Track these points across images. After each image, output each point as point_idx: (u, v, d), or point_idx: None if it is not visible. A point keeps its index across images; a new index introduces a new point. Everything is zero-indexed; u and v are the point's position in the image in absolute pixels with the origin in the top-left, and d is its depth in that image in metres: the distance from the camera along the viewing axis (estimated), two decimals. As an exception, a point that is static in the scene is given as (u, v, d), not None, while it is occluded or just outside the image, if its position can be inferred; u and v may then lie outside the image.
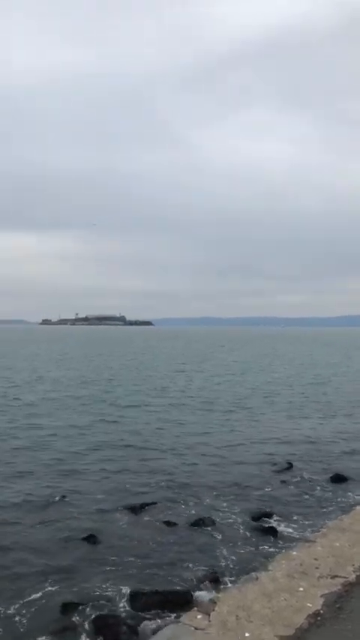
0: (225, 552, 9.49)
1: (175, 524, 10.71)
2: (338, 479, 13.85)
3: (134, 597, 7.58)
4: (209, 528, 10.54)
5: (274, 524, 10.79)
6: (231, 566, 8.94)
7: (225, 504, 11.93)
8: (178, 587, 8.04)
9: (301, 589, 4.94)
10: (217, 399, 28.99)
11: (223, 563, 9.03)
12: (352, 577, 5.21)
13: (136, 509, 11.41)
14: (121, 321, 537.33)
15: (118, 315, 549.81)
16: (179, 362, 58.31)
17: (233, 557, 9.27)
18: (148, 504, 11.69)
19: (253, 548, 9.65)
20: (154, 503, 11.83)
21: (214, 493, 12.66)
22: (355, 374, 45.71)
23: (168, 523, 10.73)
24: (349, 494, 12.61)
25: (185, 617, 4.52)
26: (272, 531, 10.41)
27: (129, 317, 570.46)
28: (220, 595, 4.86)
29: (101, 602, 7.46)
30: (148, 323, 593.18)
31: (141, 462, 15.26)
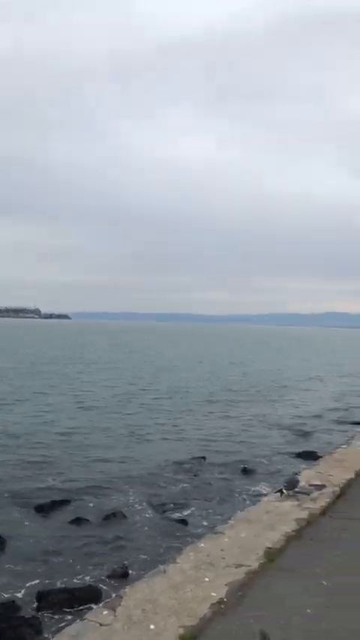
0: (136, 546, 9.52)
1: (86, 520, 10.58)
2: (248, 471, 14.31)
3: (41, 596, 7.41)
4: (121, 523, 10.53)
5: (185, 516, 10.95)
6: (141, 559, 8.98)
7: (137, 498, 11.95)
8: (86, 584, 7.97)
9: (207, 579, 5.04)
10: (132, 396, 29.00)
11: (134, 557, 9.05)
12: (255, 566, 5.39)
13: (44, 508, 11.09)
14: (36, 313, 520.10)
15: (32, 308, 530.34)
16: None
17: (144, 551, 9.32)
18: (57, 502, 11.42)
19: (163, 541, 9.74)
20: (64, 500, 11.59)
21: (126, 488, 12.65)
22: (259, 371, 47.48)
23: (78, 520, 10.57)
24: (258, 485, 13.04)
25: (91, 614, 4.47)
26: (183, 524, 10.58)
27: (44, 310, 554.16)
28: (127, 589, 4.84)
29: (6, 604, 7.21)
30: (64, 316, 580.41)
31: (47, 461, 14.81)
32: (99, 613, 4.43)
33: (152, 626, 4.18)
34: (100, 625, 4.20)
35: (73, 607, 7.16)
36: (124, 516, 10.78)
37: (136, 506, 11.48)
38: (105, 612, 4.42)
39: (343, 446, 11.30)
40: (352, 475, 8.82)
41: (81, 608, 7.09)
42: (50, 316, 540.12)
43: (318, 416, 24.09)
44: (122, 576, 8.29)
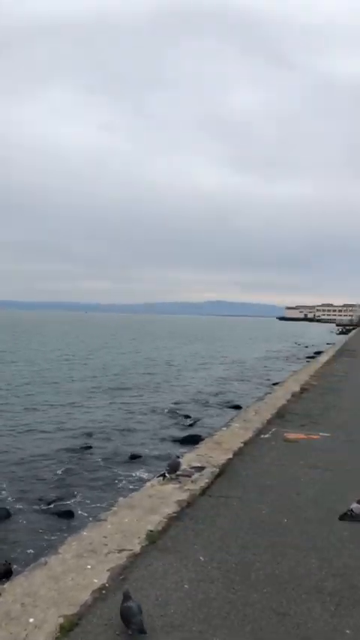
0: (19, 542, 9.34)
1: (-35, 519, 10.16)
2: (134, 457, 14.53)
3: None
4: (3, 520, 10.25)
5: (70, 508, 10.91)
6: (26, 555, 8.83)
7: (20, 492, 11.70)
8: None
9: (89, 567, 5.09)
10: (14, 391, 28.00)
11: (18, 554, 8.88)
12: (137, 549, 5.54)
13: None
14: None
15: None
16: None
17: (28, 546, 9.17)
18: None
19: (49, 534, 9.66)
20: None
21: (8, 482, 12.30)
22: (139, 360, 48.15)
23: None
24: (142, 470, 13.33)
25: (-33, 615, 4.33)
26: (68, 515, 10.54)
27: None
28: (6, 586, 4.75)
29: None
30: None
31: None
32: (-24, 613, 4.32)
33: (31, 620, 4.15)
34: (-23, 625, 4.10)
35: None
36: (8, 513, 10.50)
37: (20, 500, 11.24)
38: (-18, 611, 4.32)
39: (223, 428, 11.85)
40: (230, 456, 9.29)
41: None
42: None
43: (202, 401, 25.03)
44: (5, 574, 8.07)
